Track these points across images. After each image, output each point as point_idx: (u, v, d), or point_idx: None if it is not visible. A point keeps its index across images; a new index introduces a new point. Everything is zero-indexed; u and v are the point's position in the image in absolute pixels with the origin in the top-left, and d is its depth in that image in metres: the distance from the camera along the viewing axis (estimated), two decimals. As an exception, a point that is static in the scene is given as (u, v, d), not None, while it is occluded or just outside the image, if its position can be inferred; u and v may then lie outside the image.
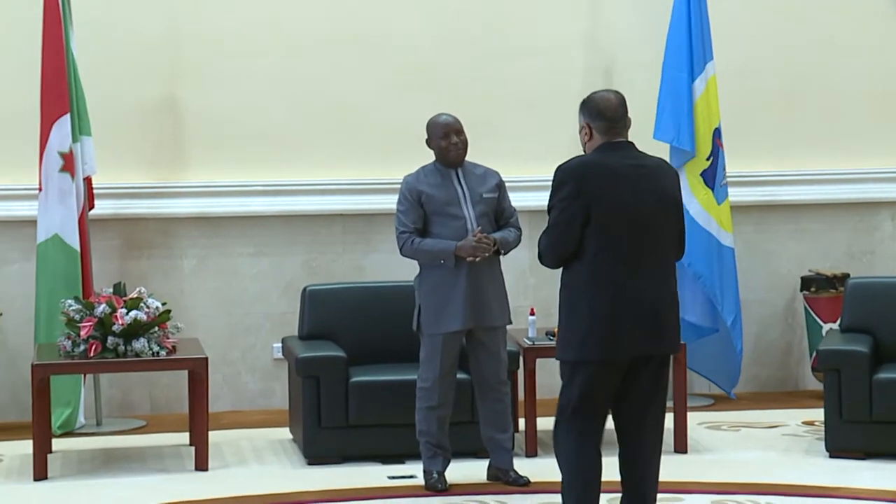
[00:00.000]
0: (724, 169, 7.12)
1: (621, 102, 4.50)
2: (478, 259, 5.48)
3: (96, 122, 6.70)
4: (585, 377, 4.40)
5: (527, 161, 7.23)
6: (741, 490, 5.49)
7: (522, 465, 5.88)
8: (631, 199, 4.36)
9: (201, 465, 5.89)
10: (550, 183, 4.43)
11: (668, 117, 7.05)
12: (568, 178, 4.37)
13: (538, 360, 6.16)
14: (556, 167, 4.44)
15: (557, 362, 7.19)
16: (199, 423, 5.93)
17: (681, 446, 6.13)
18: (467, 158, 5.66)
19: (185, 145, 7.05)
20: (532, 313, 6.39)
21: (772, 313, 7.52)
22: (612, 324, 4.33)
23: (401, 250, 5.59)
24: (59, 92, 6.50)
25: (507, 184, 5.46)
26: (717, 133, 7.09)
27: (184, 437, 6.36)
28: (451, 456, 5.64)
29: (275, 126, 7.10)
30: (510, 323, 5.67)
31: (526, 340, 6.22)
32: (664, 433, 4.57)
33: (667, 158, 7.11)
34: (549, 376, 7.09)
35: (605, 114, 4.45)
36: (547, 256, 4.45)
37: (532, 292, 7.29)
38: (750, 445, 6.29)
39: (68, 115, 6.52)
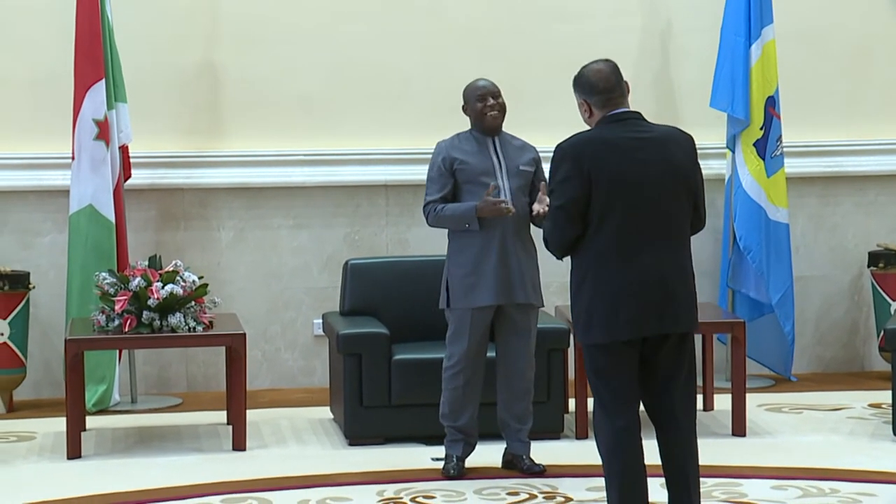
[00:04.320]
0: (780, 140, 6.92)
1: (613, 70, 4.37)
2: (506, 212, 5.21)
3: (132, 88, 6.60)
4: (600, 361, 4.27)
5: (578, 128, 7.01)
6: (803, 475, 5.35)
7: (572, 448, 5.79)
8: (633, 173, 4.22)
9: (239, 444, 5.79)
10: (552, 162, 4.29)
11: (724, 84, 6.88)
12: (566, 157, 4.25)
13: (589, 338, 5.94)
14: (557, 145, 4.31)
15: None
16: (236, 401, 5.83)
17: (739, 429, 5.97)
18: (506, 130, 5.48)
19: (224, 113, 6.93)
20: (583, 290, 6.16)
21: (837, 290, 7.32)
22: (614, 304, 4.20)
23: (427, 220, 5.45)
24: (94, 57, 6.40)
25: (550, 153, 5.27)
26: (770, 101, 6.90)
27: (221, 416, 6.28)
28: (477, 441, 5.45)
29: (316, 93, 6.97)
30: (542, 305, 5.47)
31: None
32: (697, 412, 4.44)
33: (724, 128, 6.93)
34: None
35: (598, 86, 4.35)
36: (552, 242, 4.30)
37: (583, 267, 7.08)
38: (812, 429, 6.14)
39: (103, 82, 6.43)
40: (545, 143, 6.96)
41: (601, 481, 5.18)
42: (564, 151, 4.26)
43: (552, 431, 5.89)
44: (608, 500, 4.34)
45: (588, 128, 4.41)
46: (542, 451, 5.63)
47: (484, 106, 5.38)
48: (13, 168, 6.77)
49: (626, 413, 4.26)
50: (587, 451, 5.60)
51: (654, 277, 4.21)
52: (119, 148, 6.54)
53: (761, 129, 6.87)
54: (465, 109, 5.45)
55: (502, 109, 5.43)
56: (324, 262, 6.99)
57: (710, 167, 7.16)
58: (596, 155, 4.22)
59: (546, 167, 5.41)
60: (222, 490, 5.23)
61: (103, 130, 6.42)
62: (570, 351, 6.00)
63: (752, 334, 6.80)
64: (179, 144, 6.89)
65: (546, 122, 7.02)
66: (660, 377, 4.31)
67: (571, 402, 6.05)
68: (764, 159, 6.88)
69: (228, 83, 6.90)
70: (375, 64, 7.02)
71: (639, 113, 4.36)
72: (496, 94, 5.42)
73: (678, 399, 4.33)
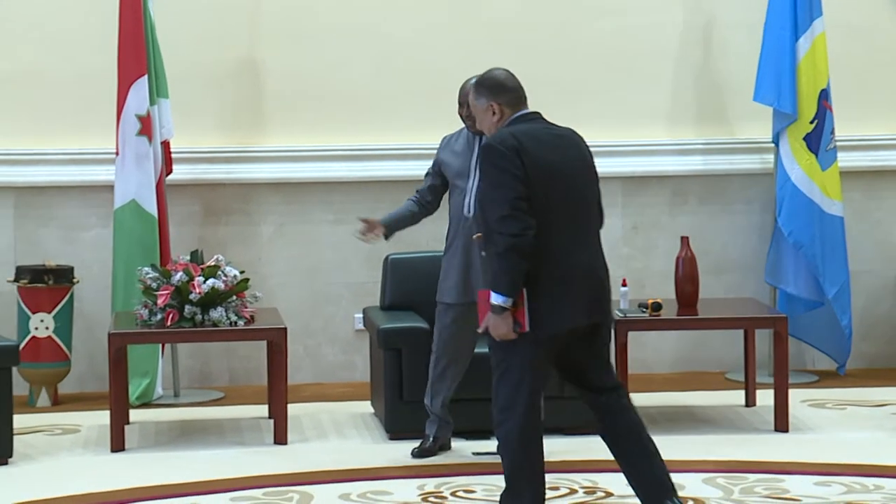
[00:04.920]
0: (833, 133, 6.84)
1: (515, 75, 4.50)
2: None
3: (174, 84, 6.62)
4: (538, 355, 4.29)
5: (621, 123, 7.02)
6: (846, 471, 5.31)
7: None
8: (563, 168, 4.29)
9: (280, 438, 5.81)
10: (485, 161, 4.27)
11: (769, 79, 6.81)
12: (505, 150, 4.24)
13: (630, 334, 5.93)
14: (484, 145, 4.31)
15: (649, 335, 7.09)
16: (278, 395, 5.85)
17: (782, 425, 5.93)
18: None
19: (265, 108, 6.95)
20: (624, 284, 6.16)
21: (882, 285, 7.22)
22: (563, 294, 4.26)
23: None
24: (137, 53, 6.44)
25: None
26: (823, 94, 6.82)
27: (263, 410, 6.30)
28: (441, 423, 5.59)
29: (357, 88, 6.97)
30: None
31: (617, 313, 6.01)
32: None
33: (769, 122, 6.86)
34: (640, 350, 6.89)
35: (506, 85, 4.43)
36: (523, 234, 4.19)
37: (625, 262, 7.08)
38: (856, 425, 6.08)
39: (146, 77, 6.45)
40: (588, 137, 6.95)
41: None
42: (504, 145, 4.24)
43: (593, 427, 5.84)
44: (512, 493, 4.34)
45: (485, 132, 4.47)
46: (581, 446, 5.61)
47: (461, 113, 5.51)
48: (58, 163, 6.80)
49: (540, 407, 4.33)
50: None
51: (591, 268, 4.33)
52: (161, 143, 6.57)
53: (812, 122, 6.80)
54: None
55: (473, 118, 5.38)
56: (364, 256, 6.98)
57: (751, 161, 7.12)
58: (532, 149, 4.25)
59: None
60: (264, 483, 5.24)
61: (145, 126, 6.46)
62: (611, 346, 5.96)
63: (810, 325, 6.82)
64: (221, 140, 6.90)
65: (587, 117, 7.00)
66: (599, 360, 4.41)
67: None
68: (816, 153, 6.80)
69: (269, 79, 6.91)
70: (416, 59, 7.00)
71: (540, 113, 4.43)
72: (463, 103, 5.43)
73: (615, 377, 4.46)
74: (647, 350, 7.06)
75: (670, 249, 6.65)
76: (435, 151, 7.27)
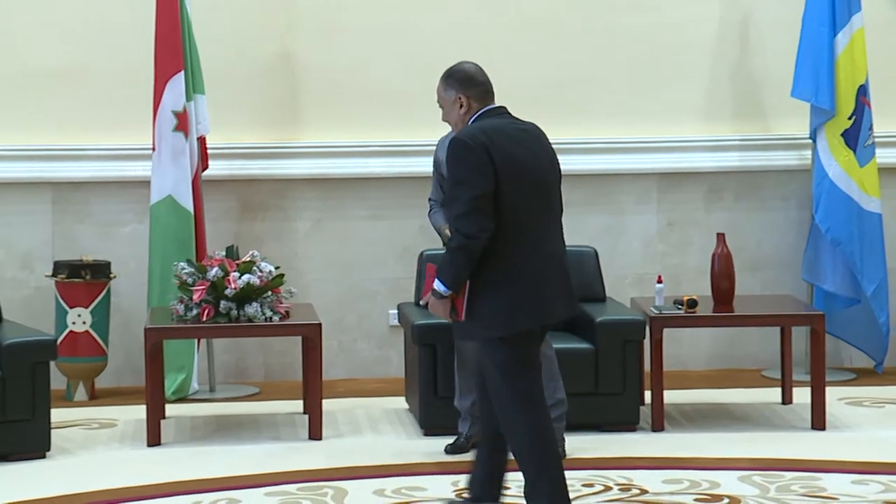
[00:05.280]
0: (871, 129, 6.80)
1: (483, 69, 4.54)
2: None
3: (210, 80, 6.64)
4: (525, 349, 4.32)
5: (656, 119, 7.00)
6: (884, 470, 5.27)
7: (648, 440, 5.72)
8: (531, 162, 4.31)
9: (315, 433, 5.82)
10: (452, 155, 4.28)
11: (807, 74, 6.77)
12: (475, 146, 4.25)
13: (665, 330, 5.91)
14: (452, 139, 4.32)
15: (684, 332, 7.05)
16: (312, 390, 5.86)
17: (819, 423, 5.89)
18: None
19: (301, 104, 6.95)
20: (659, 281, 6.14)
21: (920, 283, 7.17)
22: (537, 289, 4.28)
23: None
24: (173, 49, 6.46)
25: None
26: (861, 90, 6.77)
27: (298, 405, 6.31)
28: (473, 421, 5.54)
29: (394, 84, 6.96)
30: None
31: (653, 309, 5.99)
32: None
33: (807, 118, 6.82)
34: (676, 347, 6.86)
35: (476, 79, 4.48)
36: (477, 237, 4.20)
37: (660, 259, 7.06)
38: (894, 423, 6.04)
39: (182, 73, 6.47)
40: (624, 133, 6.98)
41: (678, 473, 5.19)
42: (473, 140, 4.25)
43: (628, 423, 5.84)
44: (536, 491, 4.33)
45: (451, 125, 4.51)
46: (618, 444, 5.59)
47: None
48: (95, 159, 6.83)
49: (538, 400, 4.34)
50: (663, 444, 5.59)
51: (559, 262, 4.35)
52: (197, 139, 6.59)
53: (850, 118, 6.75)
54: None
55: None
56: (399, 252, 6.98)
57: (787, 158, 7.08)
58: (500, 144, 4.26)
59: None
60: (299, 478, 5.25)
61: (182, 122, 6.48)
62: (646, 343, 5.95)
63: (847, 321, 6.78)
64: (256, 136, 6.91)
65: (622, 113, 7.00)
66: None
67: (647, 395, 6.00)
68: (854, 149, 6.76)
69: (305, 74, 6.91)
70: (451, 56, 6.90)
71: (506, 107, 4.45)
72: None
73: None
74: (682, 347, 7.03)
75: (706, 246, 6.62)
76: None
